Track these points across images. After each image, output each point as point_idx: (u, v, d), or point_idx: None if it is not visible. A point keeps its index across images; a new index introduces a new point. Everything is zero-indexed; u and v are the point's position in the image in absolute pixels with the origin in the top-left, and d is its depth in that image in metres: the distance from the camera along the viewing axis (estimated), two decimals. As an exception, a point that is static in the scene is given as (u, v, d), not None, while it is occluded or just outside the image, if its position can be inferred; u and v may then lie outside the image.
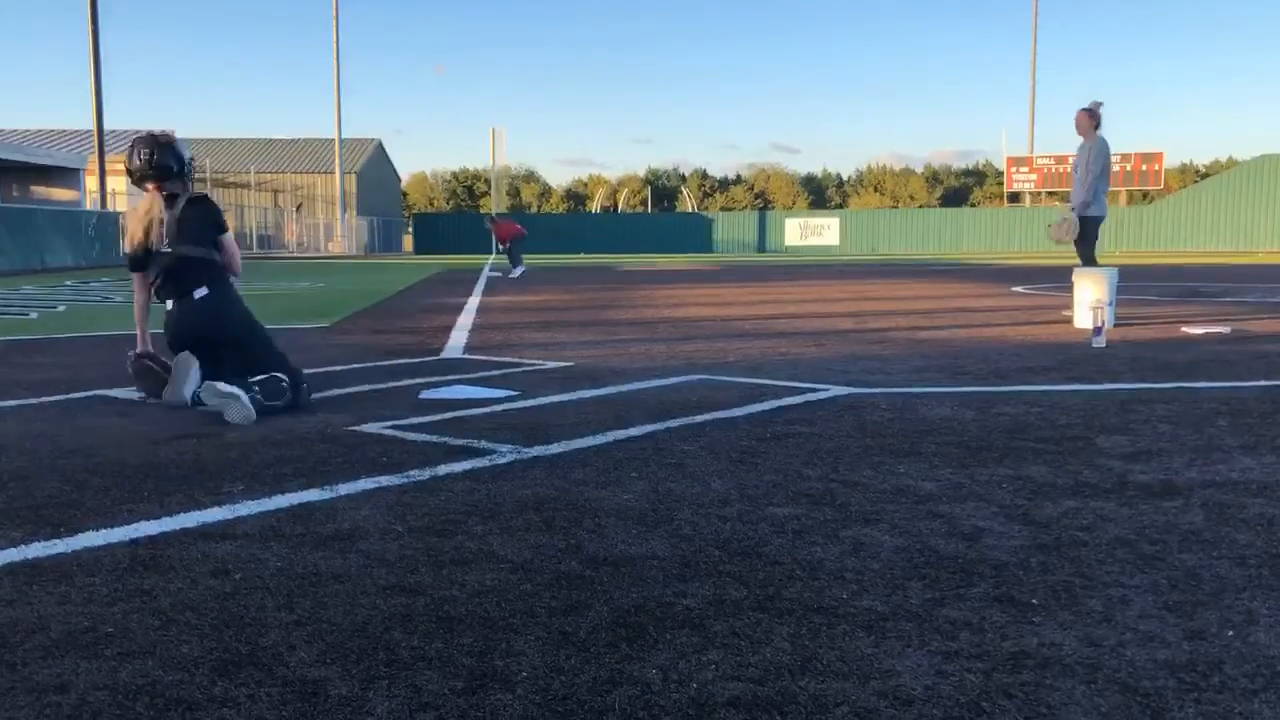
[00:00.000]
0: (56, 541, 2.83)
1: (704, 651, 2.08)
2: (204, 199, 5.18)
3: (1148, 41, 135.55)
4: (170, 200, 5.07)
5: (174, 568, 2.61)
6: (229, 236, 5.23)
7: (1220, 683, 1.93)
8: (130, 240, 5.12)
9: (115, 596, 2.41)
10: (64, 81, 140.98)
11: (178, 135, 5.23)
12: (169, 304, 5.07)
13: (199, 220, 5.08)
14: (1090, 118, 9.76)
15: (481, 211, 63.29)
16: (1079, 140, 9.91)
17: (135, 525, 2.98)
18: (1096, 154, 9.72)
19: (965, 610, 2.29)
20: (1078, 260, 10.03)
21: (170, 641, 2.15)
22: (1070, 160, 10.08)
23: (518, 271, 21.15)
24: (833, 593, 2.41)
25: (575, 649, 2.10)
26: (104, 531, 2.92)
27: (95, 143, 31.51)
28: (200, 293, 5.01)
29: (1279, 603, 2.34)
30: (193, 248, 5.02)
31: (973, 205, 79.28)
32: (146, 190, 5.13)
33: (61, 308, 12.13)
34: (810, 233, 51.09)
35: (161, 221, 5.02)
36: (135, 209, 5.25)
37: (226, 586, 2.47)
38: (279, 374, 4.85)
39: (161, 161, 5.05)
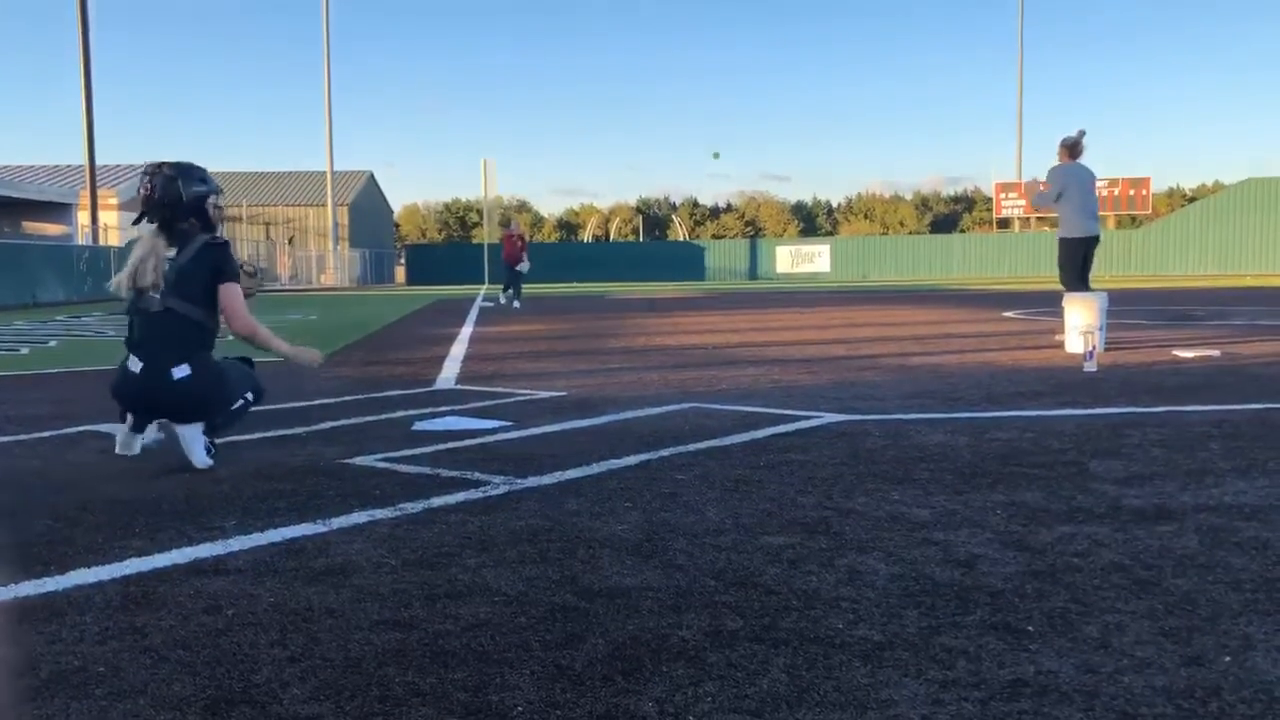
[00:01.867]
0: (47, 579, 2.81)
1: (700, 683, 2.07)
2: (220, 245, 4.40)
3: (1134, 67, 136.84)
4: (179, 241, 4.32)
5: (166, 605, 2.60)
6: (231, 287, 4.36)
7: (1218, 709, 1.93)
8: (115, 282, 4.36)
9: (106, 635, 2.39)
10: (56, 117, 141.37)
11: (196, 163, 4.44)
12: (136, 365, 4.24)
13: (201, 269, 4.30)
14: (1064, 150, 10.15)
15: (474, 242, 63.42)
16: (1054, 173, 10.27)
17: (126, 562, 2.96)
18: (1054, 176, 10.09)
19: (961, 638, 2.29)
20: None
21: (162, 680, 2.13)
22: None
23: (516, 302, 20.64)
24: (829, 622, 2.40)
25: (571, 682, 2.08)
26: (95, 569, 2.90)
27: (87, 178, 31.56)
28: (180, 372, 4.20)
29: (1275, 627, 2.33)
30: (187, 305, 4.26)
31: (962, 231, 79.68)
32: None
33: (53, 343, 12.10)
34: (801, 260, 51.30)
35: (158, 265, 4.25)
36: (136, 245, 4.43)
37: (219, 623, 2.46)
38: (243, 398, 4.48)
39: (167, 194, 4.30)
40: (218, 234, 4.49)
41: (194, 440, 4.30)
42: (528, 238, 23.32)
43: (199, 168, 4.49)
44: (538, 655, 2.23)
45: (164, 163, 4.42)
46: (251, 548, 3.09)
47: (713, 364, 8.57)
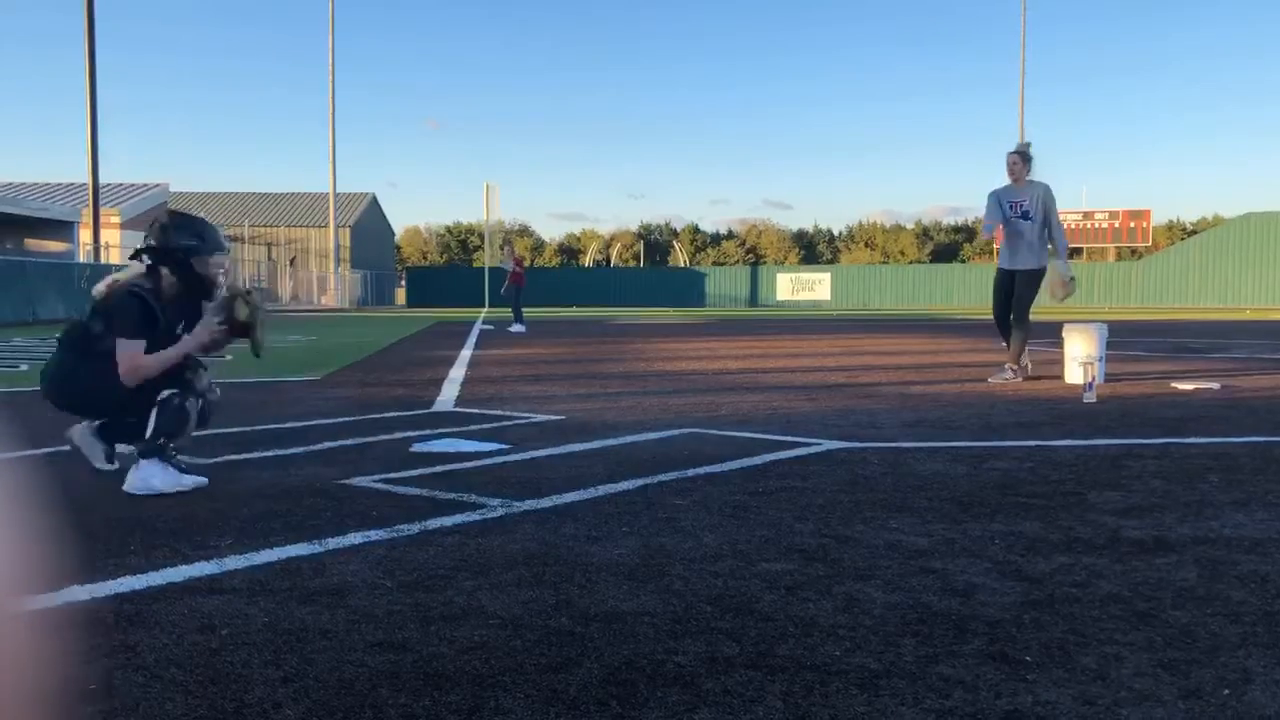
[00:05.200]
0: (40, 595, 2.79)
1: (695, 710, 2.06)
2: (129, 293, 4.29)
3: (1135, 99, 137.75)
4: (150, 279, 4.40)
5: (159, 623, 2.58)
6: (121, 343, 4.21)
7: (1217, 742, 1.91)
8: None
9: (98, 652, 2.37)
10: (60, 135, 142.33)
11: (179, 206, 4.63)
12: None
13: (111, 305, 4.30)
14: (1025, 161, 9.02)
15: (475, 265, 63.61)
16: (1031, 191, 9.10)
17: (120, 580, 2.95)
18: (1051, 196, 9.06)
19: (959, 668, 2.27)
20: (1070, 315, 10.06)
21: (154, 699, 2.11)
22: (1019, 206, 9.28)
23: (520, 327, 20.42)
24: (826, 650, 2.39)
25: (565, 707, 2.07)
26: (89, 585, 2.88)
27: (90, 196, 31.66)
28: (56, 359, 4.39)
29: (1274, 661, 2.32)
30: (89, 317, 4.33)
31: (963, 261, 79.88)
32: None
33: (52, 359, 12.09)
34: (802, 287, 51.44)
35: (111, 286, 4.38)
36: None
37: (212, 642, 2.44)
38: (168, 395, 4.27)
39: (152, 236, 4.42)
40: (144, 285, 4.33)
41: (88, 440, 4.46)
42: (524, 262, 23.07)
43: (203, 225, 4.49)
44: (532, 679, 2.21)
45: (173, 211, 4.67)
46: (246, 567, 3.08)
47: (712, 390, 8.57)
